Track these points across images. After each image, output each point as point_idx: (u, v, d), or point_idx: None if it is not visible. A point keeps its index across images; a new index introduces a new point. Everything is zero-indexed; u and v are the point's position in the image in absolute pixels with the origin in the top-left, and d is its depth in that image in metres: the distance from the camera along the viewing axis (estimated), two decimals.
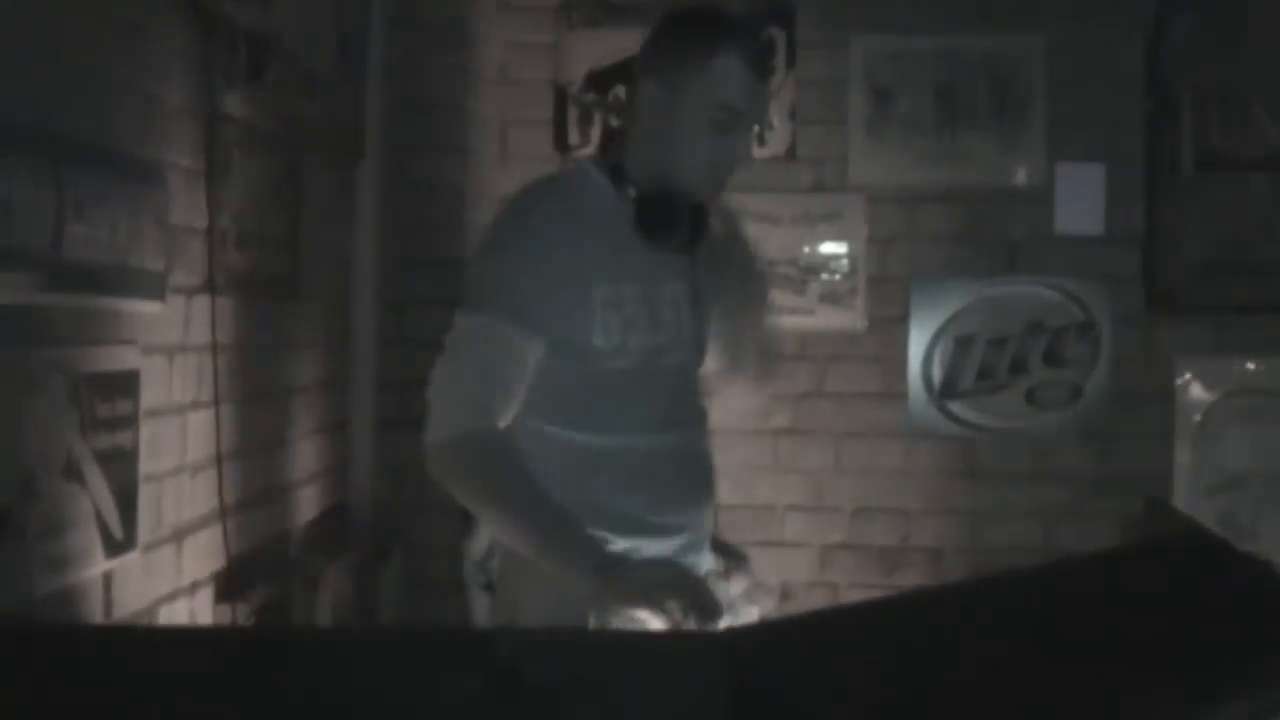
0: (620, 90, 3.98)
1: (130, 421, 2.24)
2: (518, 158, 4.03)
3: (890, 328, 4.05)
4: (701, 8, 2.25)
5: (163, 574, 2.43)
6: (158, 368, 2.39)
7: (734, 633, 1.78)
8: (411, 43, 3.71)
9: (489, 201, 3.78)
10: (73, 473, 2.05)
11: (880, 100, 4.04)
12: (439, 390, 2.17)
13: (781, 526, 4.04)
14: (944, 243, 4.04)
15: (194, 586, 2.56)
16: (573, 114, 4.09)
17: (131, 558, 2.26)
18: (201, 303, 2.56)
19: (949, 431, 4.03)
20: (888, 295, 4.05)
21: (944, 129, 4.02)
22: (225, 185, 2.64)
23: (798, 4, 4.05)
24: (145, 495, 2.30)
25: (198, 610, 2.57)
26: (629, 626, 2.10)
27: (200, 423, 2.58)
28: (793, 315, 4.02)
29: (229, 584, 2.67)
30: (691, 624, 2.00)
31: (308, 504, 3.25)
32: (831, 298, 4.05)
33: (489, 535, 2.29)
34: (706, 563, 2.31)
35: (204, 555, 2.60)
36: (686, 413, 2.31)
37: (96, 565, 2.14)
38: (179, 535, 2.50)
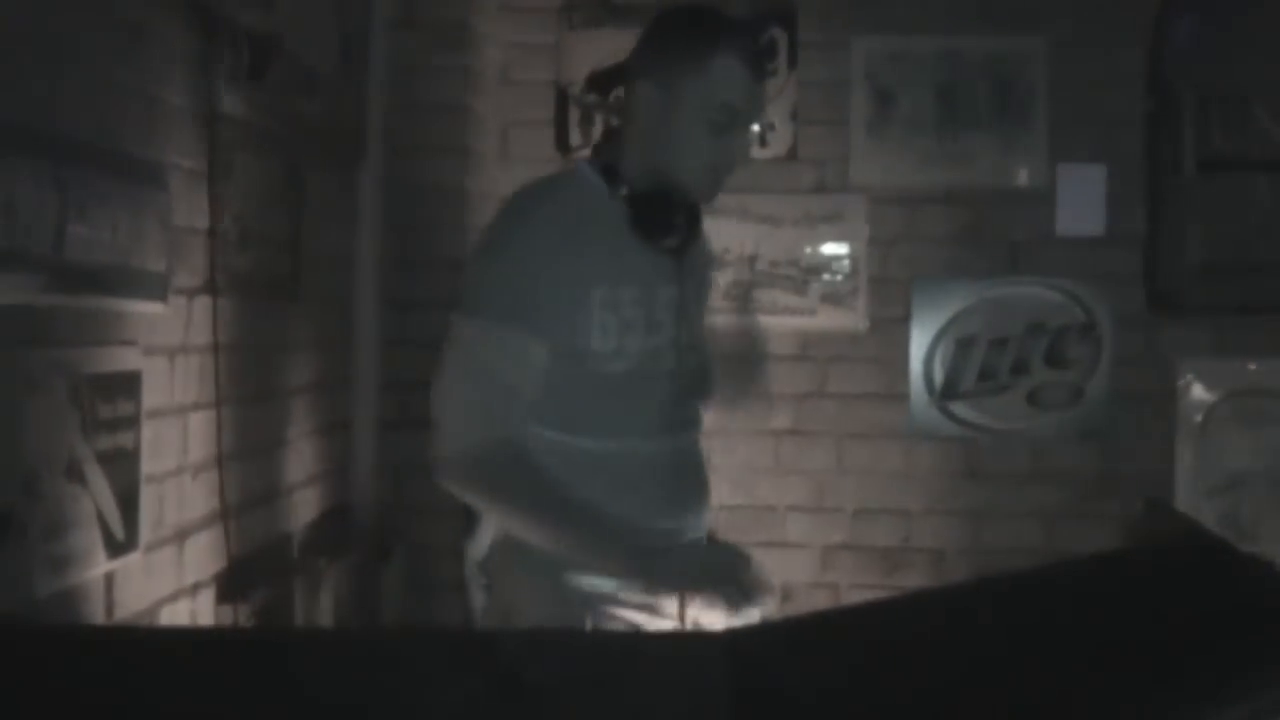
0: (622, 91, 3.98)
1: (132, 422, 2.25)
2: (519, 159, 4.03)
3: (892, 329, 4.05)
4: (697, 8, 2.24)
5: (164, 575, 2.43)
6: (159, 368, 2.39)
7: (735, 633, 1.78)
8: (413, 43, 3.72)
9: (490, 202, 3.78)
10: (74, 473, 2.05)
11: (882, 101, 4.04)
12: (449, 401, 2.16)
13: (783, 527, 4.04)
14: (945, 244, 4.04)
15: (195, 587, 2.56)
16: (574, 115, 4.09)
17: (133, 558, 2.26)
18: (203, 303, 2.56)
19: (950, 432, 4.03)
20: (889, 296, 4.05)
21: (945, 130, 4.02)
22: (227, 186, 2.64)
23: (799, 5, 4.05)
24: (147, 496, 2.30)
25: (199, 611, 2.57)
26: (628, 627, 2.11)
27: (202, 423, 2.58)
28: (794, 316, 4.03)
29: (230, 585, 2.67)
30: (741, 606, 2.04)
31: (309, 505, 3.25)
32: (833, 299, 4.06)
33: (490, 536, 2.29)
34: None
35: (205, 556, 2.61)
36: (682, 416, 2.30)
37: (98, 566, 2.14)
38: (180, 536, 2.50)
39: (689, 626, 2.13)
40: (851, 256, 4.06)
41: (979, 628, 1.44)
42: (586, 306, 2.15)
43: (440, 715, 1.34)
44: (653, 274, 2.22)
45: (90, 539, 2.10)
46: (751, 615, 2.14)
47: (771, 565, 2.31)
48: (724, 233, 3.91)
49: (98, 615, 2.17)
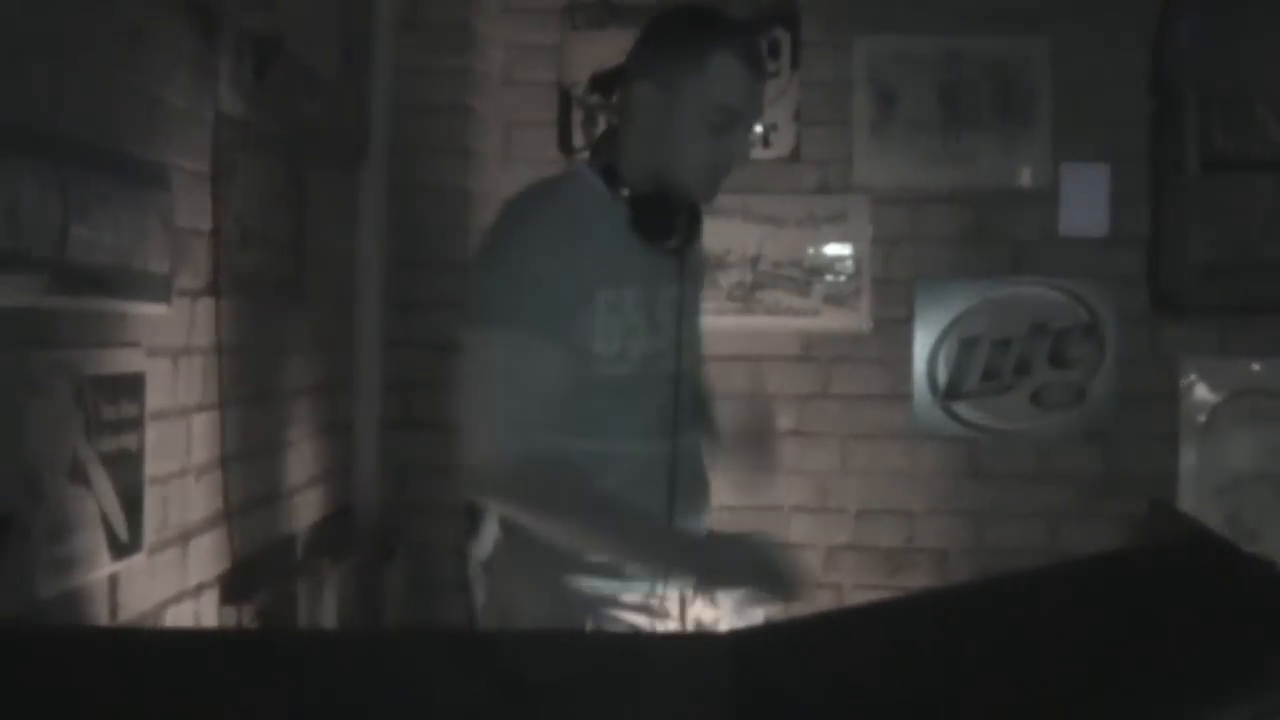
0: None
1: (135, 424, 2.25)
2: (522, 159, 4.03)
3: (895, 329, 4.04)
4: (697, 8, 2.23)
5: (168, 576, 2.43)
6: (163, 370, 2.39)
7: (737, 633, 1.78)
8: (415, 44, 3.72)
9: (493, 203, 3.77)
10: (78, 475, 2.05)
11: (884, 101, 4.04)
12: (484, 413, 2.14)
13: (787, 528, 4.03)
14: (948, 244, 4.03)
15: (199, 588, 2.56)
16: (577, 116, 4.09)
17: (137, 560, 2.26)
18: (206, 305, 2.56)
19: (954, 433, 4.03)
20: (892, 296, 4.05)
21: (948, 130, 4.02)
22: (230, 187, 2.64)
23: (801, 5, 4.05)
24: (150, 497, 2.31)
25: (203, 612, 2.57)
26: (628, 628, 2.11)
27: (205, 425, 2.58)
28: (797, 317, 4.03)
29: (234, 586, 2.67)
30: (783, 597, 2.08)
31: (312, 506, 3.25)
32: (836, 299, 4.05)
33: (492, 537, 2.29)
34: None
35: (209, 557, 2.61)
36: (683, 418, 2.29)
37: (102, 567, 2.14)
38: (184, 537, 2.50)
39: (689, 627, 2.13)
40: (855, 257, 4.05)
41: (982, 628, 1.44)
42: (590, 308, 2.14)
43: (443, 716, 1.34)
44: (654, 275, 2.21)
45: (94, 540, 2.10)
46: (756, 615, 2.15)
47: None
48: (727, 233, 3.91)
49: (102, 617, 2.17)
